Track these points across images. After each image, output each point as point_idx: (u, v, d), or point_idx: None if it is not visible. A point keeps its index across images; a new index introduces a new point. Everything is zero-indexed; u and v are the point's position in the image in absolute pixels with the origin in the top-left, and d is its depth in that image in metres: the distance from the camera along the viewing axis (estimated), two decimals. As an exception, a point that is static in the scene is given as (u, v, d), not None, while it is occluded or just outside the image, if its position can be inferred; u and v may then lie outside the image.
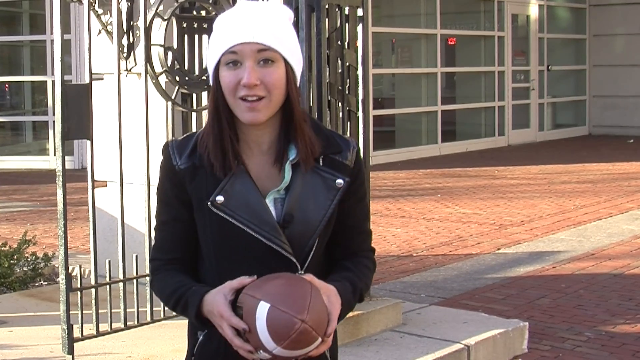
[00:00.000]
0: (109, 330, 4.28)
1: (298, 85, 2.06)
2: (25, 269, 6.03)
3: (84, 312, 4.12)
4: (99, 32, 5.05)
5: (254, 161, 2.06)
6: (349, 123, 5.01)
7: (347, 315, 4.91)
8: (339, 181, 2.06)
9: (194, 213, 2.06)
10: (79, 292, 4.14)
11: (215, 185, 2.02)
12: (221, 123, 2.02)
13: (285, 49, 2.00)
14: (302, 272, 2.02)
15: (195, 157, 2.05)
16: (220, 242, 2.03)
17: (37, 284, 5.99)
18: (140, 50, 4.55)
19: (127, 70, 4.95)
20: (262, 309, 1.90)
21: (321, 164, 2.07)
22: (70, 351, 4.05)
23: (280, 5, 2.07)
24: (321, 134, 2.10)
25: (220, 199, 2.00)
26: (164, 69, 4.81)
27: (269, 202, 2.03)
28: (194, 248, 2.10)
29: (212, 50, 2.03)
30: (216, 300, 1.95)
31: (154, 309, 4.43)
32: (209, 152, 2.03)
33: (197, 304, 1.99)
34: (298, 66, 2.05)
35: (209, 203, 2.00)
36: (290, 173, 2.04)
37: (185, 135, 2.14)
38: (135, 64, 4.95)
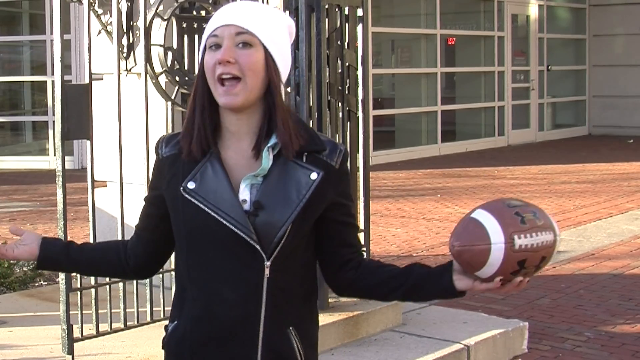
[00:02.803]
0: (109, 330, 4.28)
1: (284, 82, 2.10)
2: (25, 269, 6.03)
3: (83, 312, 4.12)
4: (99, 32, 5.05)
5: (233, 148, 2.08)
6: (348, 123, 5.01)
7: (347, 316, 4.89)
8: (314, 174, 2.06)
9: (166, 202, 2.12)
10: (78, 292, 4.14)
11: (190, 172, 2.07)
12: (197, 107, 2.06)
13: (265, 36, 2.03)
14: (269, 264, 2.03)
15: (177, 147, 2.11)
16: (191, 228, 2.07)
17: (37, 284, 5.99)
18: (140, 50, 4.55)
19: (127, 70, 4.95)
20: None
21: (304, 160, 2.07)
22: (70, 351, 4.05)
23: (281, 12, 2.12)
24: (305, 131, 2.11)
25: (191, 184, 2.05)
26: (164, 69, 4.81)
27: (245, 187, 2.05)
28: (153, 229, 2.20)
29: (202, 42, 2.10)
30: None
31: (154, 309, 4.43)
32: (183, 138, 2.08)
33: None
34: (282, 62, 2.07)
35: (181, 189, 2.06)
36: (269, 160, 2.06)
37: (177, 132, 2.20)
38: (135, 64, 4.94)
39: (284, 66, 2.08)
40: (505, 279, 1.99)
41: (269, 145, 2.06)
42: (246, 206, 2.04)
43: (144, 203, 2.23)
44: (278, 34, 2.07)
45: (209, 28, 2.07)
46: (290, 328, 2.10)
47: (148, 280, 4.40)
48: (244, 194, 2.05)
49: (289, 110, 2.10)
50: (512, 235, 1.95)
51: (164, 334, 2.21)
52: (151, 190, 2.20)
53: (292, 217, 2.03)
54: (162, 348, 2.20)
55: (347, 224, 2.18)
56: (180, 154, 2.09)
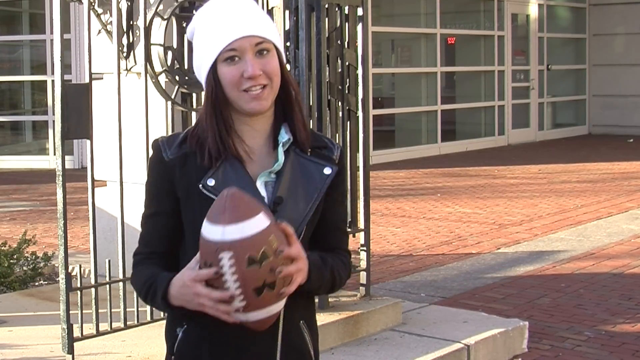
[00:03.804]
0: (109, 329, 4.28)
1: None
2: (25, 268, 6.03)
3: (83, 311, 4.12)
4: (99, 31, 5.05)
5: (246, 147, 2.09)
6: (348, 122, 5.01)
7: (347, 315, 4.88)
8: (327, 169, 2.10)
9: (180, 204, 2.09)
10: (78, 292, 4.14)
11: (205, 172, 2.05)
12: (219, 117, 2.06)
13: (275, 37, 2.08)
14: None
15: (185, 148, 2.09)
16: None
17: (37, 284, 5.98)
18: (140, 49, 4.55)
19: (127, 69, 4.95)
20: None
21: (309, 155, 2.12)
22: (70, 351, 4.05)
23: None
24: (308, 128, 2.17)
25: (211, 182, 2.04)
26: (164, 68, 4.81)
27: (260, 184, 2.07)
28: (176, 242, 2.13)
29: (204, 49, 2.07)
30: (183, 273, 1.97)
31: (154, 308, 4.43)
32: (207, 144, 2.05)
33: (164, 286, 2.02)
34: (283, 50, 2.13)
35: (201, 186, 2.04)
36: (283, 156, 2.08)
37: (172, 133, 2.20)
38: (135, 64, 4.95)
39: (283, 50, 2.13)
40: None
41: (283, 141, 2.09)
42: (265, 202, 2.05)
43: (156, 220, 2.13)
44: (273, 24, 2.13)
45: (218, 41, 2.04)
46: (302, 322, 2.13)
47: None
48: (261, 190, 2.07)
49: (300, 102, 2.14)
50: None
51: (164, 333, 2.19)
52: (154, 200, 2.12)
53: (311, 211, 2.07)
54: (172, 354, 2.14)
55: (333, 227, 2.18)
56: (189, 154, 2.08)
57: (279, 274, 1.89)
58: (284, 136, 2.09)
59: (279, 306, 1.97)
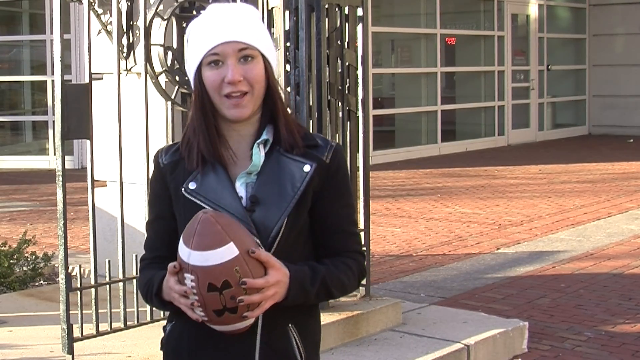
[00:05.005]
0: (109, 330, 4.28)
1: (276, 76, 2.16)
2: (25, 268, 6.03)
3: (83, 311, 4.13)
4: (99, 32, 5.05)
5: (230, 151, 2.12)
6: (348, 123, 5.01)
7: (347, 315, 4.88)
8: (307, 167, 2.10)
9: (173, 208, 2.15)
10: (78, 292, 4.14)
11: (190, 174, 2.12)
12: (208, 121, 2.10)
13: (262, 45, 2.09)
14: None
15: (177, 155, 2.16)
16: None
17: (37, 284, 5.99)
18: (140, 50, 4.55)
19: (127, 70, 4.95)
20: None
21: (294, 153, 2.12)
22: (70, 351, 4.05)
23: (248, 5, 2.18)
24: (301, 128, 2.18)
25: (192, 185, 2.09)
26: (164, 68, 4.81)
27: (240, 185, 2.10)
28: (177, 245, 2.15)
29: (192, 53, 2.11)
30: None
31: (154, 308, 4.43)
32: (194, 147, 2.10)
33: (158, 282, 2.09)
34: (273, 60, 2.14)
35: (183, 189, 2.10)
36: (260, 157, 2.11)
37: (174, 142, 2.26)
38: (135, 64, 4.95)
39: (274, 61, 2.14)
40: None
41: (258, 141, 2.11)
42: (243, 202, 2.08)
43: (157, 225, 2.19)
44: (266, 35, 2.13)
45: (203, 45, 2.07)
46: (290, 325, 2.11)
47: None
48: (240, 191, 2.09)
49: (287, 107, 2.16)
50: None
51: (163, 334, 2.22)
52: (154, 206, 2.20)
53: (288, 210, 2.07)
54: (161, 349, 2.22)
55: (335, 230, 2.16)
56: (180, 160, 2.14)
57: (240, 302, 1.93)
58: (262, 136, 2.12)
59: (245, 323, 1.99)
